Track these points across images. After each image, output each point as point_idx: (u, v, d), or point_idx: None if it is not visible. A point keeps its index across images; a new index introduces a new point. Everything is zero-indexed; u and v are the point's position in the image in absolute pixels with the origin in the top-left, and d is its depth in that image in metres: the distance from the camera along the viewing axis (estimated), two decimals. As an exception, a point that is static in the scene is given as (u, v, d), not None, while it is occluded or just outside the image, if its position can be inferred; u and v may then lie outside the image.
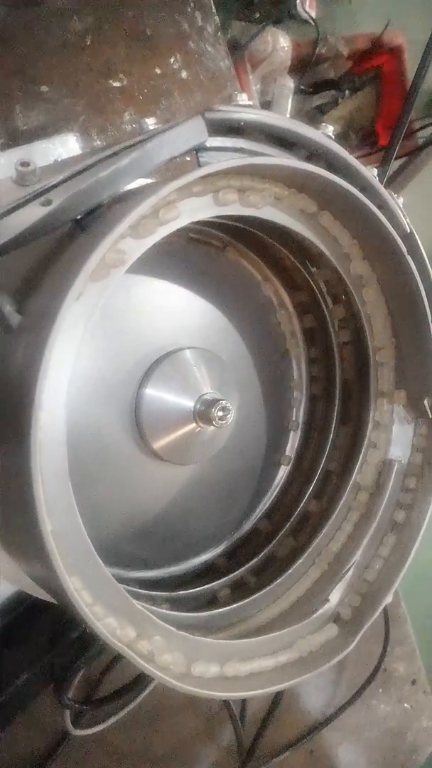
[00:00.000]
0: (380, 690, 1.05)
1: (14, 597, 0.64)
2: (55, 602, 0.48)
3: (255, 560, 0.57)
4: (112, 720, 0.78)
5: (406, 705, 1.09)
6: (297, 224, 0.48)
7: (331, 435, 0.59)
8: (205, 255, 0.57)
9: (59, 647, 0.66)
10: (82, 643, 0.69)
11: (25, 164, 0.37)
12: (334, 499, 0.55)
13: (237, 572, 0.56)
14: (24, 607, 0.65)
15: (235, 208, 0.43)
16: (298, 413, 0.62)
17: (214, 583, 0.55)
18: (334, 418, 0.59)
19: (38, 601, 0.64)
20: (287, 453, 0.62)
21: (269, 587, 0.51)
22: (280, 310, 0.60)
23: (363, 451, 0.55)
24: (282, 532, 0.59)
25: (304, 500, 0.59)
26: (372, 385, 0.55)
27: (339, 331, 0.58)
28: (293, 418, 0.62)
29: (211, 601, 0.53)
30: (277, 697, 0.92)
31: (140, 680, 0.74)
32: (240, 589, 0.55)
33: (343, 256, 0.51)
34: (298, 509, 0.60)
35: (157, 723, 0.84)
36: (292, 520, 0.59)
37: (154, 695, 0.81)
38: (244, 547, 0.61)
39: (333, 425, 0.59)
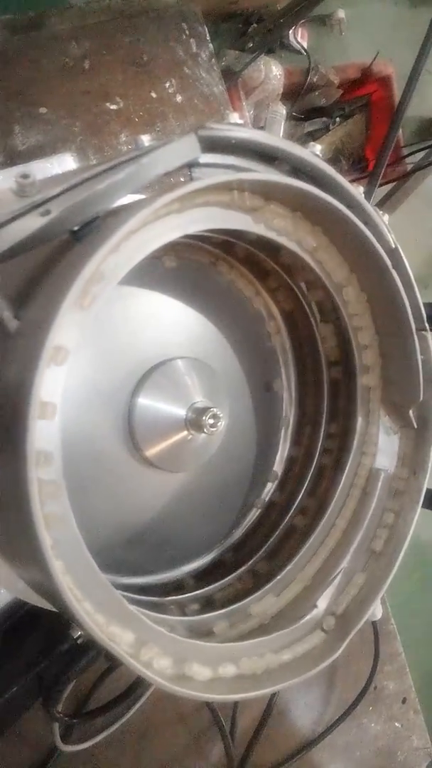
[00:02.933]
0: (371, 708, 1.05)
1: (3, 609, 0.64)
2: (48, 608, 0.48)
3: (244, 567, 0.58)
4: (102, 736, 0.78)
5: (396, 724, 1.08)
6: (283, 239, 0.50)
7: (320, 443, 0.61)
8: (197, 268, 0.59)
9: (49, 660, 0.66)
10: (72, 656, 0.69)
11: (25, 176, 0.39)
12: (322, 506, 0.57)
13: (227, 578, 0.57)
14: (13, 621, 0.65)
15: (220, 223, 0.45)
16: (288, 421, 0.64)
17: (205, 589, 0.56)
18: (322, 427, 0.60)
19: (27, 615, 0.64)
20: (277, 460, 0.64)
21: (258, 592, 0.52)
22: (269, 321, 0.62)
23: (350, 459, 0.56)
24: (270, 541, 0.60)
25: (294, 507, 0.60)
26: (358, 394, 0.56)
27: (326, 342, 0.60)
28: (282, 427, 0.64)
29: (202, 606, 0.54)
30: (267, 713, 0.91)
31: (130, 692, 0.74)
32: (230, 595, 0.56)
33: (329, 272, 0.53)
34: (286, 518, 0.61)
35: (146, 739, 0.84)
36: (281, 528, 0.60)
37: (144, 711, 0.80)
38: (234, 553, 0.62)
39: (321, 434, 0.60)
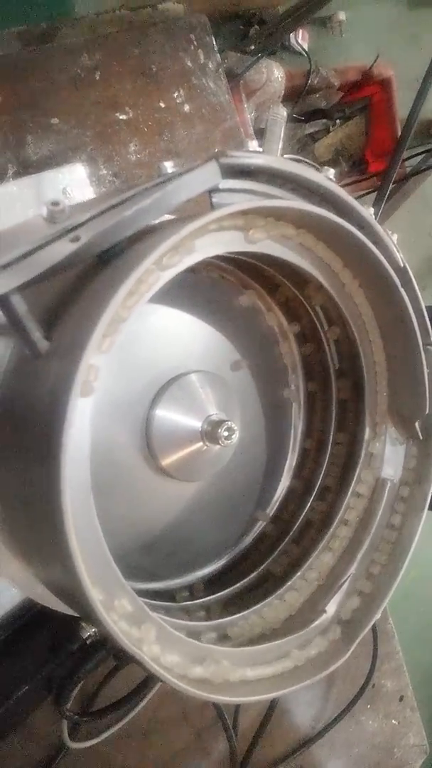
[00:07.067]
0: (369, 706, 1.07)
1: (14, 611, 0.66)
2: (63, 611, 0.50)
3: (254, 573, 0.60)
4: (109, 733, 0.80)
5: (394, 721, 1.11)
6: (296, 256, 0.52)
7: (328, 454, 0.62)
8: (214, 286, 0.60)
9: (59, 659, 0.68)
10: (81, 655, 0.70)
11: (55, 203, 0.40)
12: (330, 514, 0.59)
13: (237, 584, 0.59)
14: (24, 620, 0.67)
15: (240, 245, 0.47)
16: (297, 431, 0.66)
17: (216, 595, 0.57)
18: (331, 437, 0.62)
19: (37, 615, 0.65)
20: (286, 469, 0.66)
21: (269, 598, 0.54)
22: (281, 337, 0.64)
23: (358, 469, 0.58)
24: (280, 548, 0.62)
25: (301, 518, 0.62)
26: (366, 408, 0.58)
27: (336, 357, 0.62)
28: (291, 437, 0.66)
29: (214, 611, 0.56)
30: (269, 712, 0.93)
31: (137, 692, 0.76)
32: (240, 601, 0.58)
33: (340, 289, 0.55)
34: (295, 526, 0.63)
35: (151, 736, 0.86)
36: (290, 535, 0.62)
37: (148, 709, 0.82)
38: (244, 560, 0.63)
39: (329, 444, 0.62)
